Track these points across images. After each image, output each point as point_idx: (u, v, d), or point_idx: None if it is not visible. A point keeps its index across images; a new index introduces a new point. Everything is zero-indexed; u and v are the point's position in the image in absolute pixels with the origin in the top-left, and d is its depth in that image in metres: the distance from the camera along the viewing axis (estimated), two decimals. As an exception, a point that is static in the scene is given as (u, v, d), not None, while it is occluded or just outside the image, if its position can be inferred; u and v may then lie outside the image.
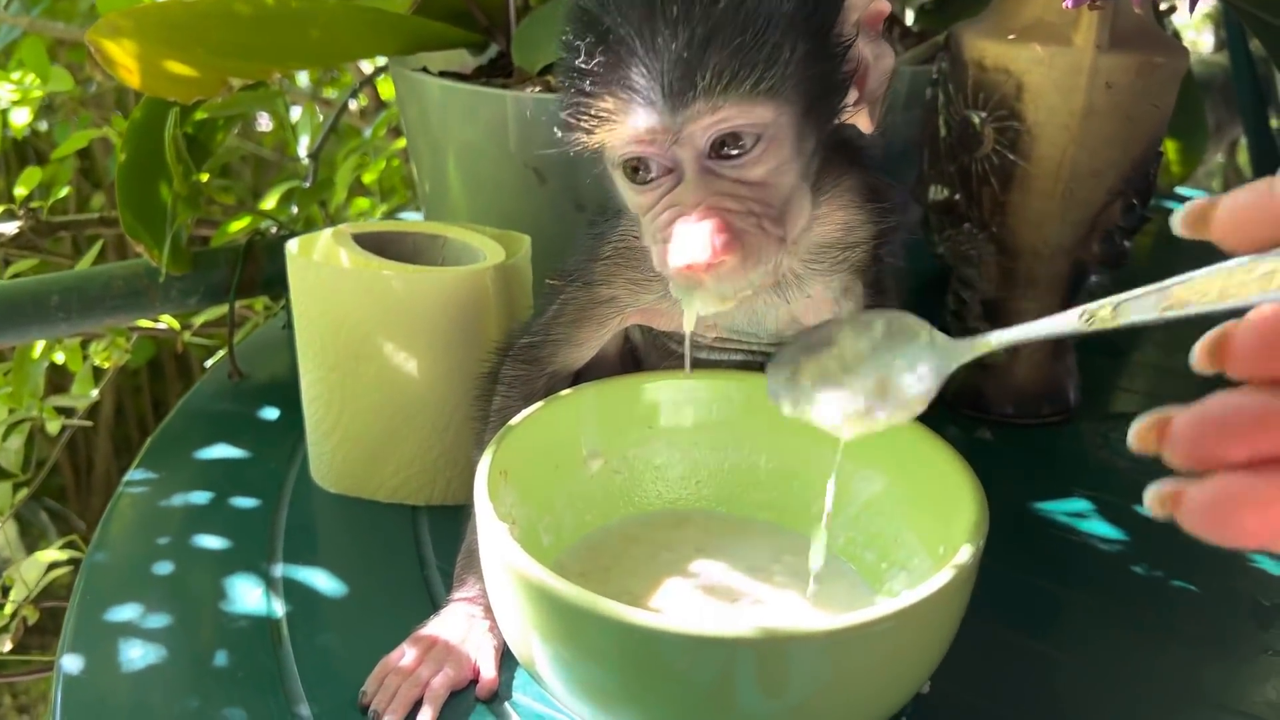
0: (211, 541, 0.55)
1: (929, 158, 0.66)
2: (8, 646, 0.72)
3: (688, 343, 0.44)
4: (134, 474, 0.61)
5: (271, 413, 0.68)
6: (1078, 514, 0.58)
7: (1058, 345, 0.66)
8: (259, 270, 0.74)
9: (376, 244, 0.57)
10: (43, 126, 1.25)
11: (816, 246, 0.45)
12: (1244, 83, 1.19)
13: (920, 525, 0.43)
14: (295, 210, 0.90)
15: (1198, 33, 1.87)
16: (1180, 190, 1.15)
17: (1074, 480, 0.61)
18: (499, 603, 0.39)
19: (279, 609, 0.49)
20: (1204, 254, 0.26)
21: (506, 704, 0.44)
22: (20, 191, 0.80)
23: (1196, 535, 0.24)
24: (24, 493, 0.79)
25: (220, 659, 0.46)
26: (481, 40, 0.71)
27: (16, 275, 0.78)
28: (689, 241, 0.37)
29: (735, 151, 0.38)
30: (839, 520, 0.46)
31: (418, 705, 0.43)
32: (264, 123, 1.27)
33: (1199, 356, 0.25)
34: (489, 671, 0.44)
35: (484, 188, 0.68)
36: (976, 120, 0.61)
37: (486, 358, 0.52)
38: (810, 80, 0.39)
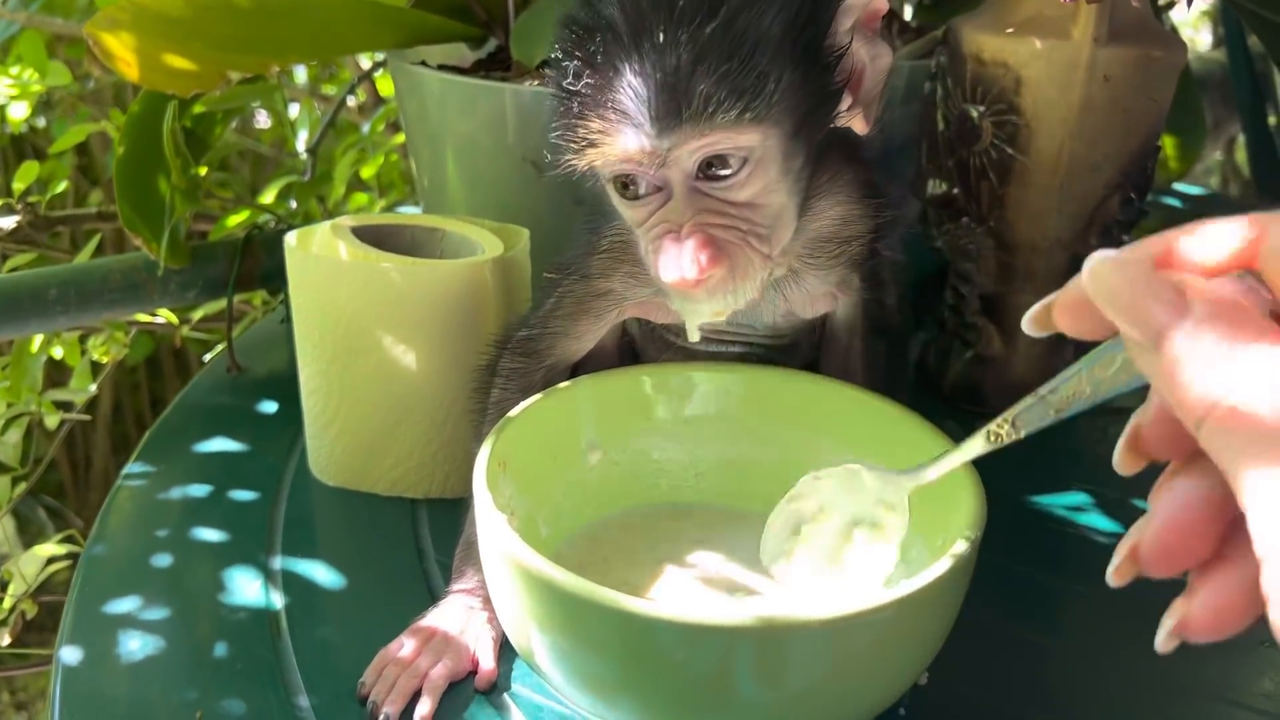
0: (210, 534, 0.55)
1: (927, 152, 0.66)
2: (6, 641, 0.72)
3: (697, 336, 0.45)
4: (132, 467, 0.61)
5: (270, 406, 0.68)
6: (1075, 507, 0.58)
7: (1055, 339, 0.66)
8: (257, 264, 0.74)
9: (375, 237, 0.57)
10: (40, 123, 1.25)
11: (813, 241, 0.45)
12: (1242, 80, 1.19)
13: (918, 516, 0.43)
14: (294, 205, 0.90)
15: (1195, 30, 1.87)
16: (1178, 186, 1.15)
17: (1072, 474, 0.61)
18: (497, 593, 0.39)
19: (278, 601, 0.49)
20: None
21: (505, 695, 0.44)
22: (18, 186, 0.80)
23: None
24: (22, 487, 0.79)
25: (219, 651, 0.46)
26: (480, 34, 0.71)
27: (14, 270, 0.78)
28: (676, 258, 0.39)
29: (723, 173, 0.39)
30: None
31: (416, 696, 0.43)
32: (262, 119, 1.27)
33: (1121, 463, 0.28)
34: (488, 662, 0.45)
35: (482, 181, 0.68)
36: (975, 114, 0.61)
37: (485, 350, 0.52)
38: (799, 100, 0.39)
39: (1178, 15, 1.14)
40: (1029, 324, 0.29)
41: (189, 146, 0.67)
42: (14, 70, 0.80)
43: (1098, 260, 0.26)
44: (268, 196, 0.91)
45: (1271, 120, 1.24)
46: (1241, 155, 1.60)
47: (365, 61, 1.16)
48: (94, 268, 0.69)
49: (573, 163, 0.40)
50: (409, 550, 0.54)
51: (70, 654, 0.46)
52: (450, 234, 0.59)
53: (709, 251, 0.39)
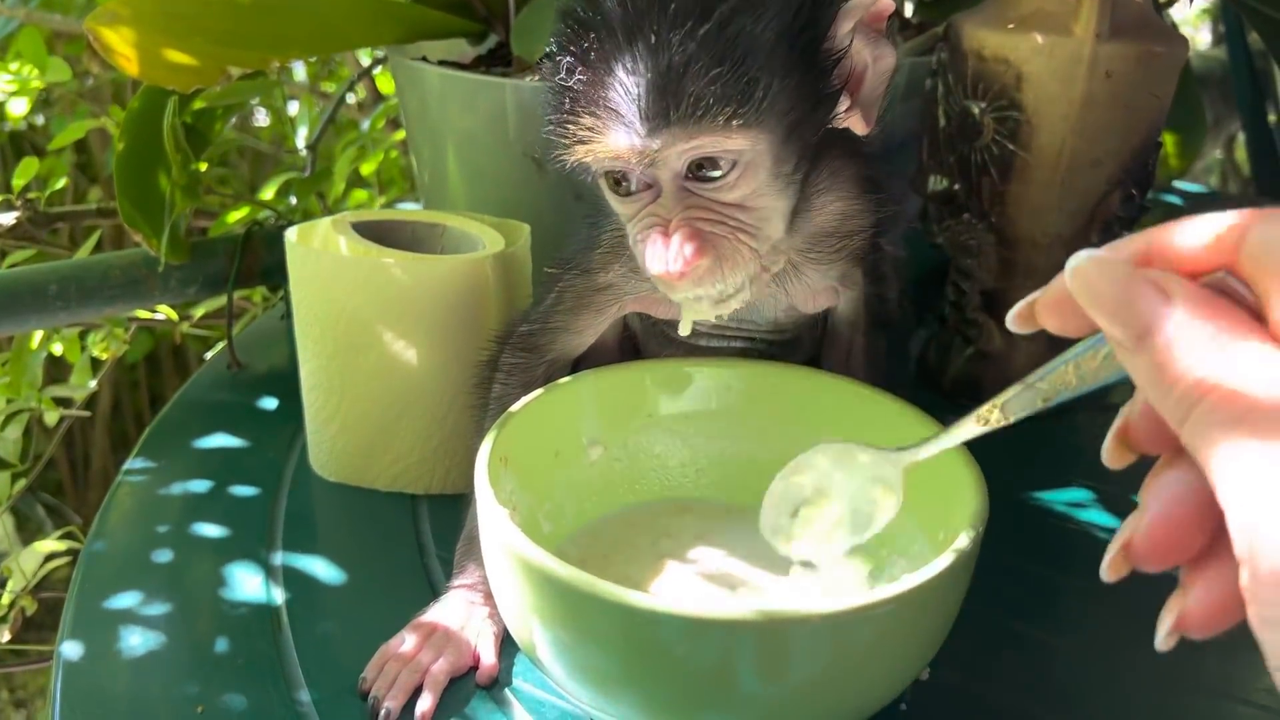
0: (211, 530, 0.55)
1: (928, 148, 0.66)
2: (6, 637, 0.72)
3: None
4: (133, 463, 0.61)
5: (270, 403, 0.68)
6: (1076, 503, 0.58)
7: (1055, 335, 0.66)
8: (257, 260, 0.74)
9: (376, 233, 0.57)
10: (39, 120, 1.25)
11: (814, 235, 0.45)
12: (1242, 77, 1.19)
13: (920, 511, 0.43)
14: (294, 201, 0.90)
15: (1195, 29, 1.87)
16: (1178, 184, 1.15)
17: (1072, 470, 0.61)
18: (499, 587, 0.39)
19: (278, 596, 0.49)
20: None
21: (506, 690, 0.44)
22: (18, 182, 0.80)
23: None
24: (22, 483, 0.79)
25: (220, 646, 0.46)
26: (480, 30, 0.71)
27: (14, 266, 0.77)
28: (663, 251, 0.39)
29: (713, 174, 0.39)
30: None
31: (418, 692, 0.43)
32: (261, 117, 1.27)
33: (1110, 456, 0.28)
34: (489, 657, 0.45)
35: (483, 177, 0.68)
36: (976, 110, 0.61)
37: (486, 346, 0.52)
38: (793, 104, 0.39)
39: (1177, 13, 1.14)
40: (1013, 321, 0.29)
41: (189, 142, 0.67)
42: (13, 66, 0.80)
43: (1080, 259, 0.26)
44: (267, 193, 0.91)
45: (1271, 118, 1.24)
46: (1241, 153, 1.60)
47: (364, 59, 1.16)
48: (94, 264, 0.68)
49: (564, 157, 0.41)
50: (410, 546, 0.54)
51: (71, 649, 0.46)
52: (451, 229, 0.59)
53: (695, 244, 0.39)
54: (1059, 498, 0.59)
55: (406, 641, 0.44)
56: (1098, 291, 0.25)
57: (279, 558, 0.52)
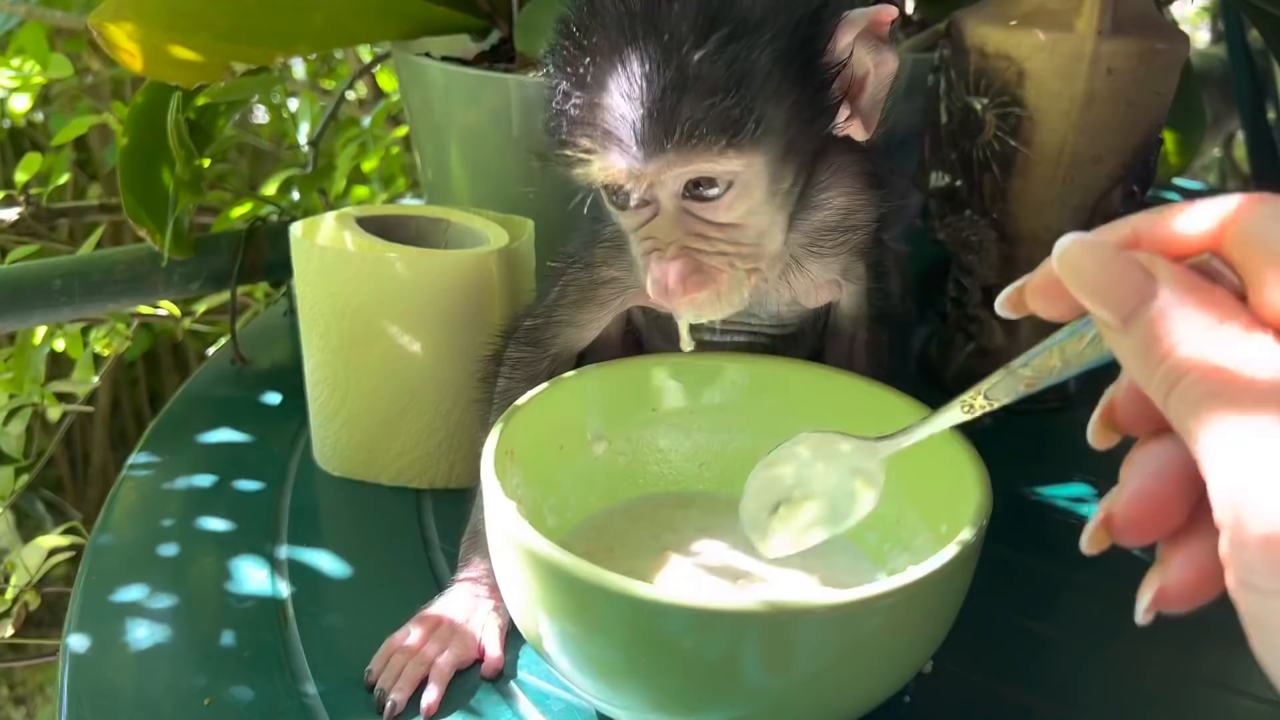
0: (216, 524, 0.55)
1: (930, 144, 0.66)
2: (10, 632, 0.72)
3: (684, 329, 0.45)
4: (137, 458, 0.61)
5: (274, 398, 0.68)
6: (1077, 498, 0.58)
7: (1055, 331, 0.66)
8: (261, 256, 0.74)
9: (380, 228, 0.57)
10: (38, 117, 1.25)
11: (816, 231, 0.46)
12: (1241, 75, 1.19)
13: (922, 505, 0.44)
14: (296, 197, 0.90)
15: (1194, 27, 1.87)
16: (1177, 182, 1.15)
17: (1073, 465, 0.61)
18: (506, 580, 0.39)
19: (284, 590, 0.50)
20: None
21: (512, 682, 0.44)
22: (21, 178, 0.80)
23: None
24: (25, 479, 0.79)
25: (227, 639, 0.46)
26: (483, 25, 0.71)
27: (17, 262, 0.77)
28: (663, 278, 0.40)
29: (710, 192, 0.40)
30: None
31: (423, 684, 0.43)
32: (260, 114, 1.27)
33: (1096, 436, 0.29)
34: (494, 650, 0.45)
35: (486, 173, 0.68)
36: (978, 107, 0.61)
37: (490, 341, 0.52)
38: (790, 123, 0.39)
39: (1177, 10, 1.14)
40: (1003, 306, 0.29)
41: (193, 138, 0.67)
42: (15, 62, 0.80)
43: (1067, 243, 0.26)
44: (270, 189, 0.91)
45: (1271, 116, 1.24)
46: (1240, 151, 1.60)
47: (365, 56, 1.16)
48: (98, 259, 0.69)
49: (565, 175, 0.41)
50: (414, 539, 0.54)
51: (78, 642, 0.46)
52: (455, 225, 0.59)
53: (694, 277, 0.40)
54: (1061, 492, 0.59)
55: (412, 634, 0.44)
56: (1084, 273, 0.26)
57: (284, 551, 0.53)
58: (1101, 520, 0.27)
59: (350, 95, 1.27)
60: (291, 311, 0.78)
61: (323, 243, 0.57)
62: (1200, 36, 1.82)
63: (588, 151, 0.39)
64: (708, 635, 0.34)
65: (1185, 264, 0.25)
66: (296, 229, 0.57)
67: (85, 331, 0.85)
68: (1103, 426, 0.29)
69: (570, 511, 0.47)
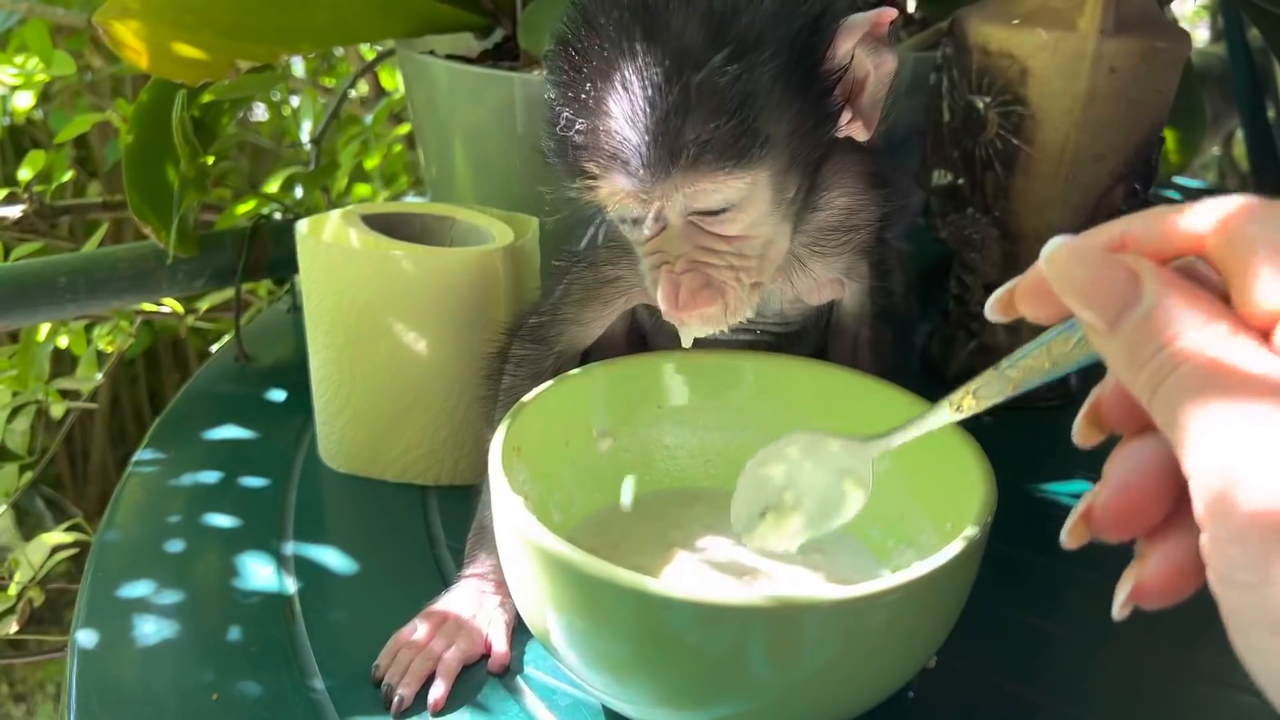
0: (221, 520, 0.55)
1: (932, 143, 0.66)
2: (14, 629, 0.72)
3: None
4: (143, 454, 0.61)
5: (278, 395, 0.68)
6: (1079, 495, 0.59)
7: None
8: (265, 253, 0.74)
9: (385, 225, 0.57)
10: (39, 115, 1.25)
11: (819, 230, 0.46)
12: (1241, 74, 1.19)
13: (927, 501, 0.44)
14: (299, 194, 0.90)
15: (1193, 25, 1.88)
16: (1178, 180, 1.15)
17: (1074, 462, 0.61)
18: (513, 575, 0.39)
19: (290, 586, 0.50)
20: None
21: (518, 677, 0.44)
22: (24, 175, 0.80)
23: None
24: (28, 476, 0.79)
25: (234, 635, 0.46)
26: (487, 24, 0.71)
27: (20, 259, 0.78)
28: (672, 293, 0.40)
29: (716, 209, 0.40)
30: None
31: (430, 679, 0.43)
32: (259, 112, 1.27)
33: (1080, 434, 0.29)
34: (501, 645, 0.45)
35: (491, 170, 0.68)
36: (980, 105, 0.61)
37: (495, 338, 0.52)
38: (793, 133, 0.40)
39: (1177, 9, 1.14)
40: (992, 310, 0.29)
41: (197, 136, 0.67)
42: (18, 60, 0.80)
43: (1054, 245, 0.27)
44: (272, 186, 0.91)
45: (1270, 114, 1.24)
46: (1240, 149, 1.61)
47: (367, 54, 1.16)
48: (103, 256, 0.69)
49: (572, 199, 0.41)
50: (419, 536, 0.54)
51: (86, 638, 0.46)
52: (460, 222, 0.59)
53: (705, 292, 0.41)
54: (1064, 489, 0.59)
55: (419, 630, 0.45)
56: (1071, 276, 0.26)
57: (290, 548, 0.53)
58: (1081, 514, 0.28)
59: (352, 93, 1.27)
60: (295, 308, 0.78)
61: (329, 240, 0.57)
62: (1199, 35, 1.82)
63: (593, 179, 0.39)
64: (714, 630, 0.34)
65: (1171, 266, 0.26)
66: (303, 226, 0.57)
67: (89, 329, 0.85)
68: (1088, 425, 0.29)
69: (576, 507, 0.48)
